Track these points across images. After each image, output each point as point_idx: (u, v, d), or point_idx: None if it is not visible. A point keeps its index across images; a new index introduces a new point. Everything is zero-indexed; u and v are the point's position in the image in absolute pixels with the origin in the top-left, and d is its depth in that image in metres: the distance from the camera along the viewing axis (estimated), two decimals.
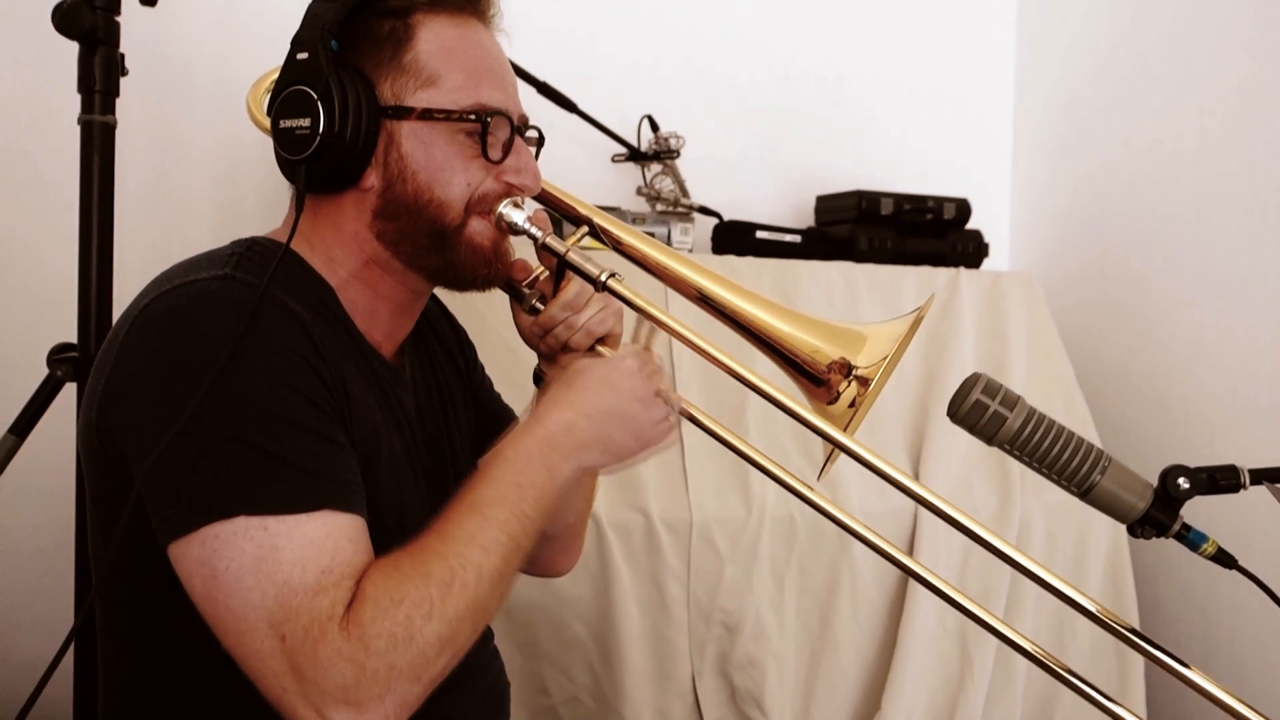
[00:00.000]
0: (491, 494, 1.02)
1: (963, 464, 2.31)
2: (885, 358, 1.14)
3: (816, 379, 1.17)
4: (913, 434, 2.35)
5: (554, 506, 1.05)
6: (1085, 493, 1.03)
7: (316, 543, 0.94)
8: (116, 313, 1.33)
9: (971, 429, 1.05)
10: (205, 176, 2.18)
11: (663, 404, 1.12)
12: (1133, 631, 1.01)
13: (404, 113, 1.08)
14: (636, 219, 2.39)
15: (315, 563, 0.94)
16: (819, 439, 1.19)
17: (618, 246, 1.25)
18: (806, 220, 2.75)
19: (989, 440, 1.05)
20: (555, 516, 1.35)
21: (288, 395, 0.97)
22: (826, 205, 2.68)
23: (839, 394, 1.16)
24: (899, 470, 1.09)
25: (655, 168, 2.54)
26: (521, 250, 1.23)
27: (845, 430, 1.13)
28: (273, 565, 0.93)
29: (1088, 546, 2.35)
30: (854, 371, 1.16)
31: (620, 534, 2.01)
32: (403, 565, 0.96)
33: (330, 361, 1.03)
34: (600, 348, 1.20)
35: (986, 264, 2.68)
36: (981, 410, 1.04)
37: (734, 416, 2.12)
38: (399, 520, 1.09)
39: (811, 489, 1.14)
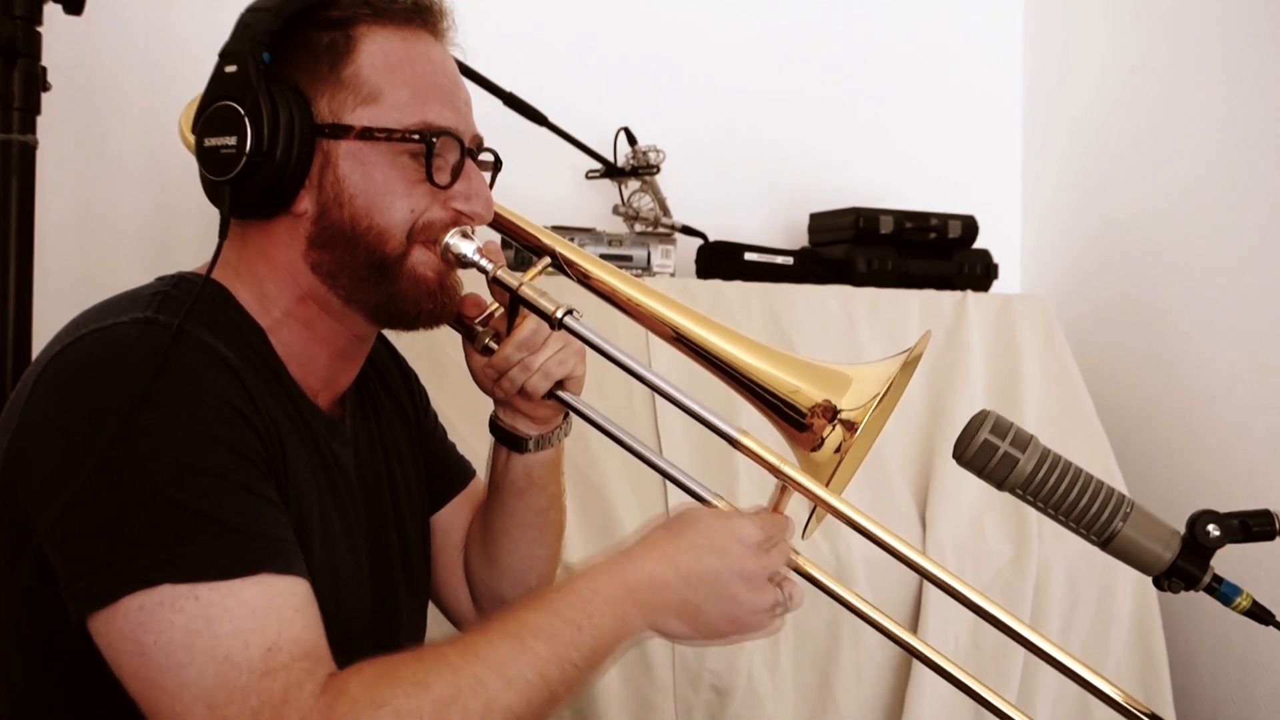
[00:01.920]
0: (542, 624, 0.99)
1: (974, 506, 2.30)
2: (874, 398, 1.14)
3: (798, 423, 1.17)
4: (918, 474, 2.35)
5: (605, 667, 1.02)
6: (1106, 542, 1.02)
7: (258, 613, 0.92)
8: (36, 352, 1.32)
9: (980, 472, 1.05)
10: (136, 203, 2.16)
11: (774, 590, 1.07)
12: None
13: (341, 131, 1.08)
14: (613, 240, 2.39)
15: (259, 637, 0.92)
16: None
17: (584, 280, 1.24)
18: (799, 240, 2.75)
19: (999, 484, 1.05)
20: (516, 570, 1.35)
21: (213, 447, 0.95)
22: (821, 224, 2.69)
23: (823, 440, 1.16)
24: (889, 532, 1.08)
25: (633, 185, 2.55)
26: (475, 285, 1.23)
27: (830, 481, 1.13)
28: (208, 640, 0.90)
29: (1113, 597, 2.34)
30: (839, 414, 1.15)
31: None
32: (401, 669, 0.94)
33: (263, 413, 1.02)
34: (716, 502, 1.15)
35: (996, 286, 2.69)
36: (990, 451, 1.04)
37: (722, 462, 2.12)
38: (333, 594, 1.07)
39: (796, 553, 1.13)
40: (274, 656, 0.92)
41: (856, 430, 1.14)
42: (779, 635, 2.13)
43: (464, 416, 1.76)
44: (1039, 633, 1.06)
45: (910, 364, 1.20)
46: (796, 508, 1.14)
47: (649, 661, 2.01)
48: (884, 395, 1.15)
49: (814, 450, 1.16)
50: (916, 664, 2.18)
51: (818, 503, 1.10)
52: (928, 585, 2.20)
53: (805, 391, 1.17)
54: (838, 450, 1.15)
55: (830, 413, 1.16)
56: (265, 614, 0.93)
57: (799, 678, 2.16)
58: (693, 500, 1.14)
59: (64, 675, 0.99)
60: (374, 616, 1.16)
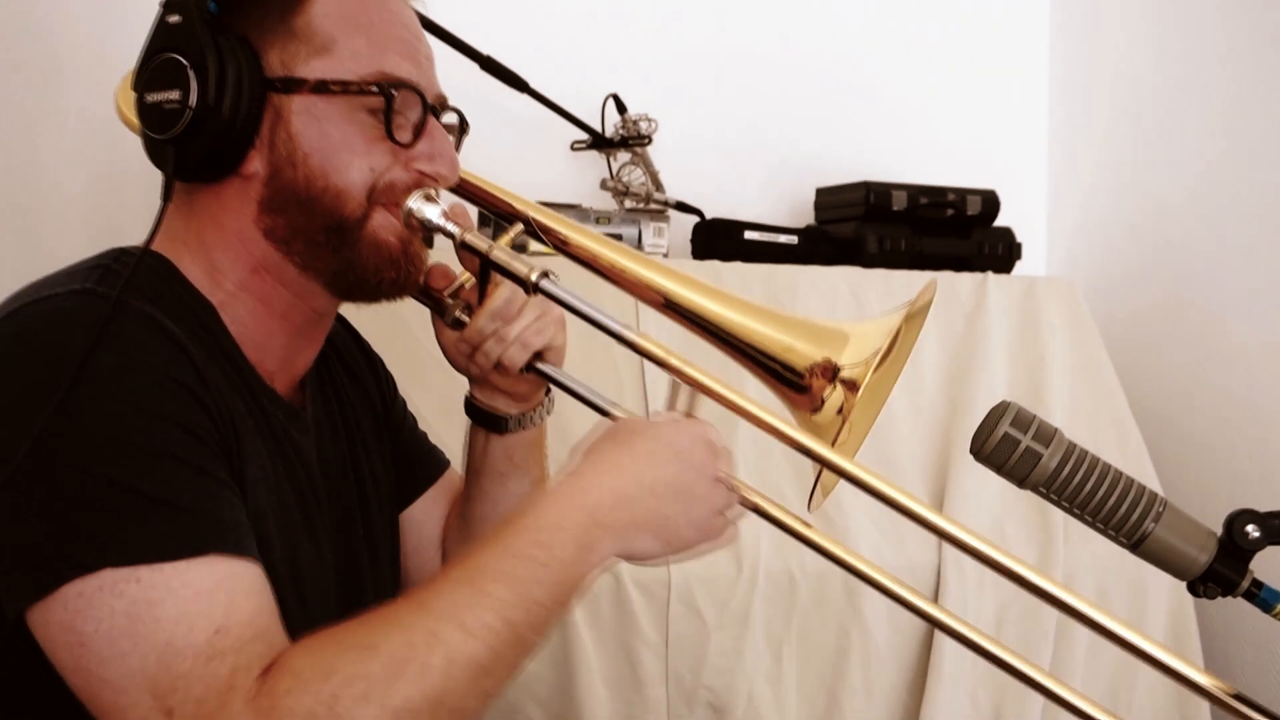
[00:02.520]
0: (496, 564, 0.98)
1: (994, 506, 2.31)
2: (875, 354, 1.15)
3: (796, 385, 1.18)
4: (934, 472, 2.36)
5: (575, 599, 1.02)
6: (1137, 544, 1.03)
7: (204, 595, 0.92)
8: None
9: (999, 469, 1.05)
10: (79, 177, 2.16)
11: (725, 490, 1.09)
12: (1237, 698, 1.02)
13: (294, 85, 1.08)
14: (601, 218, 2.39)
15: (205, 620, 0.92)
16: (822, 476, 1.20)
17: (563, 246, 1.25)
18: (805, 218, 2.76)
19: (1020, 482, 1.05)
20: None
21: (158, 424, 0.95)
22: (828, 200, 2.69)
23: (823, 400, 1.17)
24: (903, 492, 1.09)
25: (623, 157, 2.55)
26: (443, 255, 1.23)
27: (834, 443, 1.14)
28: (150, 624, 0.91)
29: (1145, 604, 2.36)
30: (839, 373, 1.17)
31: (584, 597, 2.00)
32: (346, 635, 0.94)
33: (215, 392, 1.02)
34: (609, 408, 1.17)
35: (1019, 268, 2.70)
36: (1011, 446, 1.04)
37: (725, 434, 2.12)
38: (296, 591, 1.08)
39: (809, 525, 1.14)
40: (220, 640, 0.92)
41: (859, 390, 1.15)
42: (781, 648, 2.14)
43: (439, 412, 1.76)
44: (1078, 595, 1.06)
45: (915, 315, 1.21)
46: (791, 473, 1.14)
47: (640, 678, 2.02)
48: (887, 350, 1.16)
49: (815, 412, 1.18)
50: (932, 679, 2.19)
51: (820, 461, 1.11)
52: (944, 596, 2.21)
53: (800, 350, 1.18)
54: (840, 411, 1.16)
55: (830, 372, 1.17)
56: (212, 596, 0.93)
57: (804, 696, 2.17)
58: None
59: (5, 681, 1.00)
60: (341, 616, 1.17)
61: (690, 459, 1.07)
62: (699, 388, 1.13)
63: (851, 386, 1.16)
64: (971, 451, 1.07)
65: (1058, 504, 1.06)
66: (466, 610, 0.95)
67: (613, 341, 1.15)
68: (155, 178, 1.12)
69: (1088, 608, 1.05)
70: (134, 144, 1.21)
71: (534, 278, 1.15)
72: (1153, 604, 2.37)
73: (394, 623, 0.94)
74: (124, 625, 0.90)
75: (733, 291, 2.32)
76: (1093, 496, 1.03)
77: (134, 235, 1.31)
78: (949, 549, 2.26)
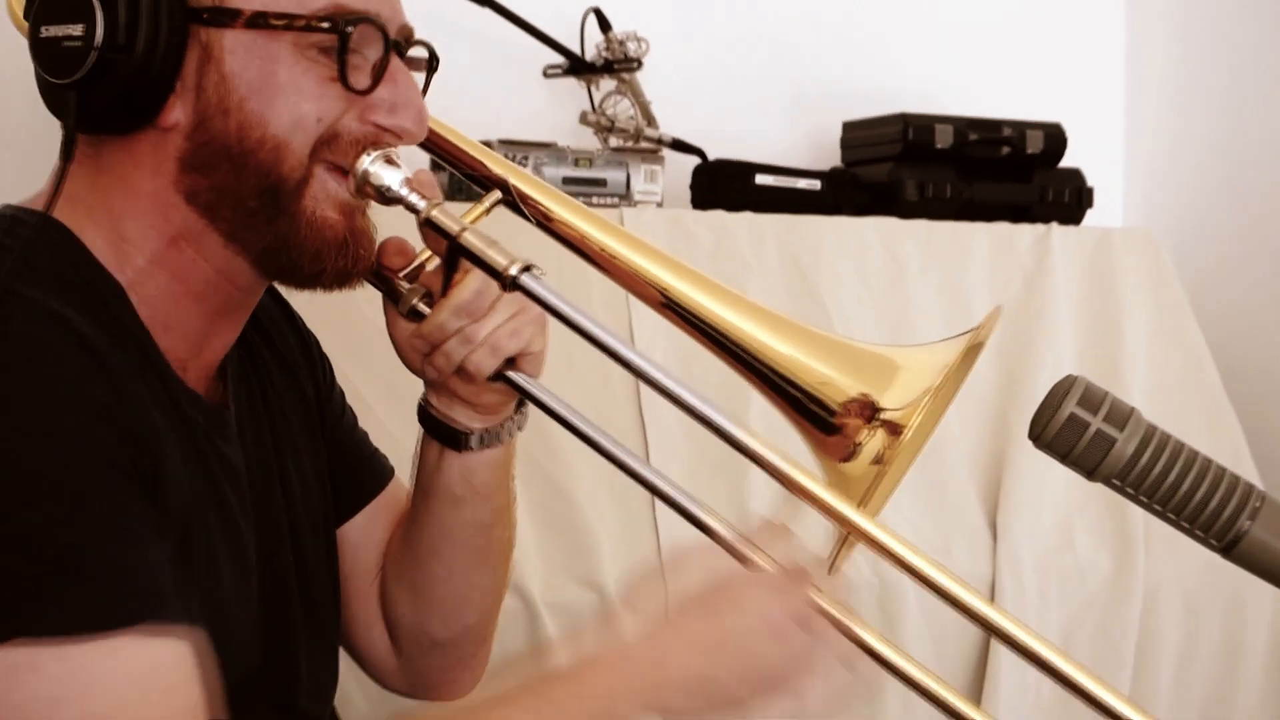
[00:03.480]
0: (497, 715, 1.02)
1: (1060, 507, 2.32)
2: (925, 393, 1.14)
3: (826, 424, 1.16)
4: (987, 466, 2.36)
5: None
6: (1229, 546, 1.03)
7: (138, 684, 0.93)
8: None
9: (1065, 457, 1.05)
10: None
11: (806, 637, 1.07)
12: None
13: (226, 17, 1.07)
14: (581, 159, 2.39)
15: (135, 715, 0.93)
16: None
17: (545, 222, 1.24)
18: (830, 159, 2.75)
19: (1090, 473, 1.05)
20: (449, 603, 1.36)
21: (71, 460, 0.95)
22: (858, 136, 2.68)
23: (858, 446, 1.15)
24: (946, 573, 1.07)
25: (607, 85, 2.54)
26: (398, 226, 1.22)
27: (863, 501, 1.13)
28: (78, 711, 0.92)
29: (1244, 624, 2.37)
30: (879, 414, 1.15)
31: (563, 620, 2.00)
32: None
33: (133, 410, 1.01)
34: (750, 552, 1.12)
35: (1090, 218, 2.70)
36: (1078, 430, 1.04)
37: (729, 468, 2.13)
38: (220, 640, 1.07)
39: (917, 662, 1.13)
40: None
41: (902, 435, 1.14)
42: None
43: (384, 397, 1.76)
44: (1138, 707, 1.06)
45: (974, 349, 1.20)
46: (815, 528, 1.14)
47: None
48: (939, 389, 1.15)
49: (845, 461, 1.16)
50: (987, 708, 2.20)
51: (850, 530, 1.11)
52: (1001, 600, 2.22)
53: (837, 382, 1.17)
54: (877, 460, 1.15)
55: (869, 411, 1.15)
56: (146, 684, 0.94)
57: None
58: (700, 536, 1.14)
59: None
60: (266, 664, 1.17)
61: (747, 606, 1.06)
62: (699, 421, 1.12)
63: (893, 430, 1.15)
64: (1031, 437, 1.07)
65: (1134, 499, 1.06)
66: None
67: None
68: (47, 119, 1.12)
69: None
70: (17, 80, 1.21)
71: (513, 271, 1.13)
72: (1253, 626, 2.37)
73: None
74: (46, 711, 0.91)
75: (742, 249, 2.36)
76: (1176, 489, 1.03)
77: (12, 187, 1.30)
78: (1004, 558, 2.27)
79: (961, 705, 1.10)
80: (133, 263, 1.11)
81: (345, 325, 1.62)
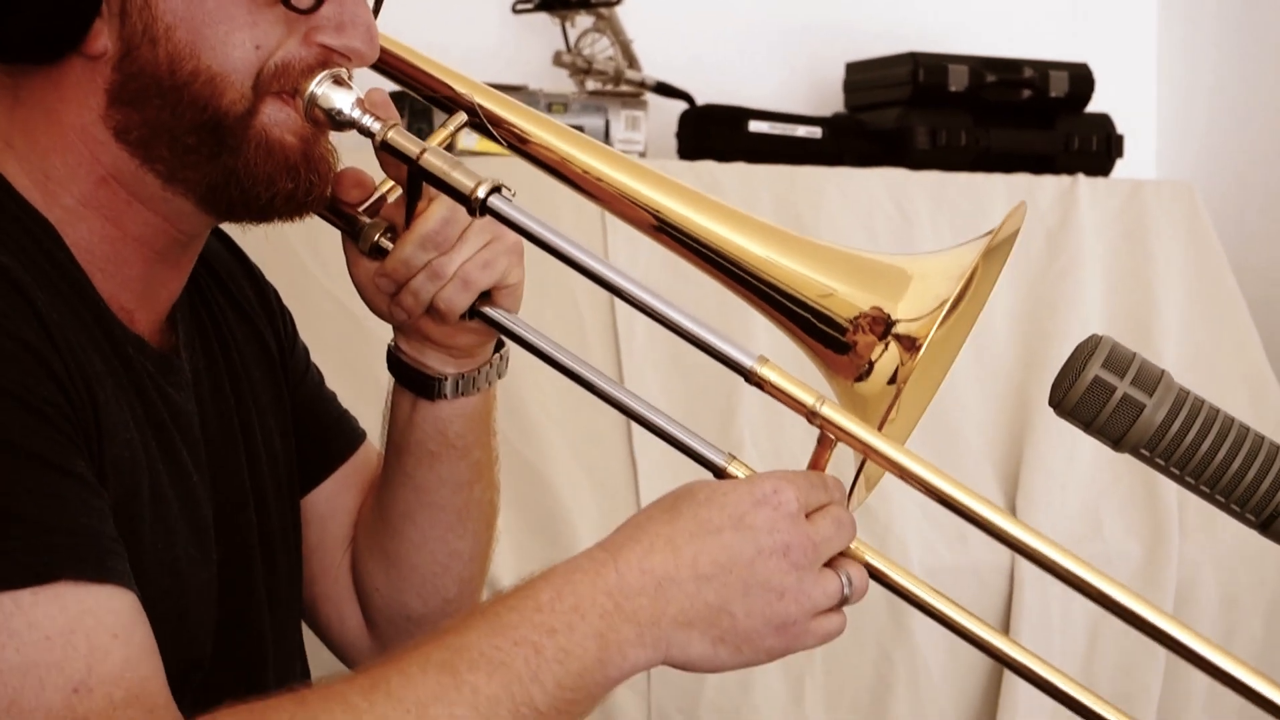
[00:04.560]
0: (485, 648, 0.99)
1: (1087, 486, 2.33)
2: (942, 304, 1.15)
3: (836, 342, 1.17)
4: (1007, 440, 2.38)
5: (588, 706, 1.00)
6: (1268, 522, 1.04)
7: (56, 640, 0.93)
8: None
9: (1089, 425, 1.06)
10: None
11: (832, 577, 1.06)
12: None
13: None
14: (555, 104, 2.39)
15: (59, 674, 0.93)
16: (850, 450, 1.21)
17: (519, 145, 1.24)
18: (832, 104, 2.76)
19: (1116, 443, 1.06)
20: (426, 572, 1.35)
21: None
22: (863, 78, 2.69)
23: (871, 364, 1.15)
24: (969, 492, 1.09)
25: (583, 22, 2.54)
26: (358, 158, 1.23)
27: (883, 423, 1.14)
28: (20, 661, 0.92)
29: None
30: (893, 327, 1.16)
31: None
32: (276, 713, 0.95)
33: (66, 350, 1.03)
34: (731, 468, 1.11)
35: (1120, 169, 2.71)
36: (1104, 394, 1.05)
37: (712, 417, 2.14)
38: (174, 605, 1.08)
39: (960, 607, 1.13)
40: (83, 701, 0.93)
41: (919, 349, 1.14)
42: (803, 680, 2.16)
43: (341, 370, 1.77)
44: (1187, 627, 1.08)
45: (997, 250, 1.19)
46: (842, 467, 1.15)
47: (610, 714, 2.04)
48: (958, 298, 1.15)
49: (859, 380, 1.16)
50: (1004, 717, 2.22)
51: (866, 452, 1.11)
52: (1017, 607, 2.23)
53: (844, 295, 1.16)
54: (892, 380, 1.15)
55: (881, 325, 1.15)
56: (69, 640, 0.94)
57: None
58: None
59: None
60: (226, 637, 1.17)
61: (761, 531, 1.03)
62: (704, 346, 1.12)
63: (909, 345, 1.14)
64: (1052, 403, 1.08)
65: (1164, 471, 1.07)
66: (437, 703, 0.96)
67: (574, 283, 1.15)
68: None
69: (1203, 646, 1.05)
70: None
71: (481, 193, 1.13)
72: None
73: (341, 704, 0.95)
74: None
75: (734, 202, 2.36)
76: (1210, 460, 1.04)
77: None
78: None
79: (993, 638, 1.12)
80: (60, 201, 1.11)
81: (286, 277, 1.62)
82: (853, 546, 1.09)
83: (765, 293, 1.19)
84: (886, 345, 1.15)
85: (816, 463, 1.12)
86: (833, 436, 1.10)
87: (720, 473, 1.11)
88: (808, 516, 1.06)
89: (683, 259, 1.23)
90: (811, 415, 1.09)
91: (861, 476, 1.18)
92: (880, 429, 1.12)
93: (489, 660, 0.98)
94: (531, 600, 1.01)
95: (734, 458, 1.12)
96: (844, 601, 1.07)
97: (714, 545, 1.03)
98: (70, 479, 0.99)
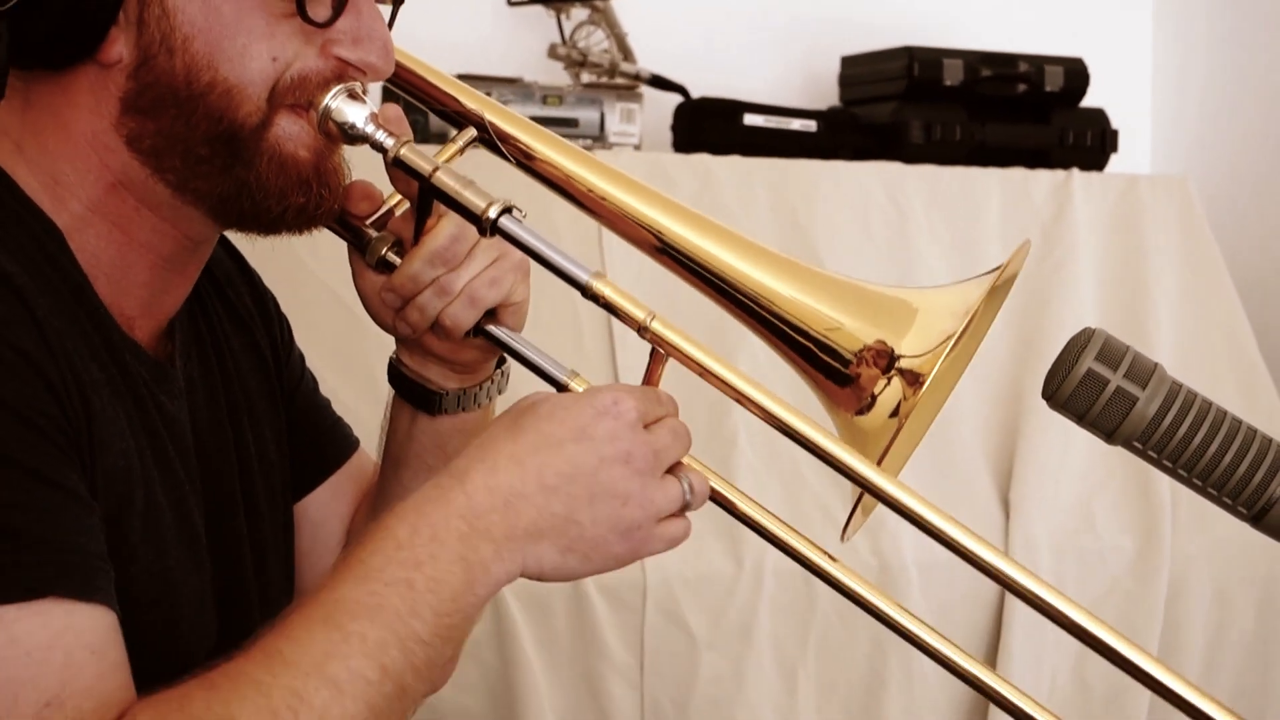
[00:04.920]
0: (362, 596, 1.00)
1: (1080, 482, 2.34)
2: (947, 340, 1.15)
3: (838, 374, 1.17)
4: (1000, 435, 2.38)
5: (466, 627, 1.03)
6: (1260, 514, 1.04)
7: (35, 655, 0.94)
8: None
9: (1082, 418, 1.06)
10: None
11: (673, 482, 1.09)
12: None
13: None
14: (549, 96, 2.39)
15: (34, 690, 0.94)
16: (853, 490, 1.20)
17: (525, 160, 1.24)
18: (827, 98, 2.76)
19: (1109, 435, 1.06)
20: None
21: None
22: (858, 73, 2.69)
23: (874, 398, 1.15)
24: (966, 530, 1.08)
25: (578, 14, 2.54)
26: (364, 169, 1.22)
27: (882, 458, 1.14)
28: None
29: (1278, 609, 2.40)
30: (897, 361, 1.16)
31: (532, 607, 2.02)
32: (190, 703, 0.96)
33: (63, 359, 1.03)
34: (568, 381, 1.15)
35: (1114, 163, 2.71)
36: (1097, 387, 1.05)
37: (712, 424, 2.14)
38: (165, 614, 1.09)
39: (834, 559, 1.14)
40: (54, 714, 0.94)
41: (923, 385, 1.15)
42: (796, 673, 2.16)
43: (337, 370, 1.77)
44: (1167, 667, 1.08)
45: (1001, 288, 1.20)
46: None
47: (606, 710, 2.04)
48: (962, 334, 1.16)
49: (860, 414, 1.16)
50: (995, 715, 2.22)
51: (865, 486, 1.11)
52: (1010, 602, 2.23)
53: (850, 329, 1.17)
54: (894, 414, 1.16)
55: (885, 359, 1.15)
56: (46, 656, 0.94)
57: None
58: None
59: None
60: (221, 644, 1.17)
61: (602, 442, 1.06)
62: (697, 368, 1.13)
63: (913, 380, 1.15)
64: (1045, 395, 1.08)
65: (1157, 464, 1.07)
66: (333, 658, 0.97)
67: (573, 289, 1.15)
68: None
69: (1189, 691, 1.05)
70: None
71: (492, 214, 1.13)
72: None
73: (247, 684, 0.96)
74: None
75: (728, 195, 2.37)
76: (1203, 453, 1.04)
77: None
78: (1017, 539, 2.29)
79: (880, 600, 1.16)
80: (69, 208, 1.11)
81: (287, 278, 1.62)
82: (689, 460, 1.11)
83: (769, 322, 1.19)
84: (890, 380, 1.15)
85: (650, 378, 1.14)
86: (663, 352, 1.13)
87: (563, 388, 1.16)
88: (646, 427, 1.08)
89: (684, 281, 1.23)
90: (642, 330, 1.12)
91: (859, 509, 1.19)
92: (880, 463, 1.13)
93: (367, 606, 0.99)
94: (391, 540, 1.02)
95: (576, 374, 1.15)
96: (685, 507, 1.09)
97: (558, 457, 1.05)
98: (63, 494, 0.99)
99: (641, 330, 1.13)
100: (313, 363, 1.46)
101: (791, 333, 1.19)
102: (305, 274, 2.04)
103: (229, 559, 1.22)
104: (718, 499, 1.13)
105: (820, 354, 1.18)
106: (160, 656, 1.02)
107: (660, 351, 1.13)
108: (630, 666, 2.05)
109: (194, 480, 1.18)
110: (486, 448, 1.07)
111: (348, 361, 1.73)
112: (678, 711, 2.08)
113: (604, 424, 1.06)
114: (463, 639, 1.04)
